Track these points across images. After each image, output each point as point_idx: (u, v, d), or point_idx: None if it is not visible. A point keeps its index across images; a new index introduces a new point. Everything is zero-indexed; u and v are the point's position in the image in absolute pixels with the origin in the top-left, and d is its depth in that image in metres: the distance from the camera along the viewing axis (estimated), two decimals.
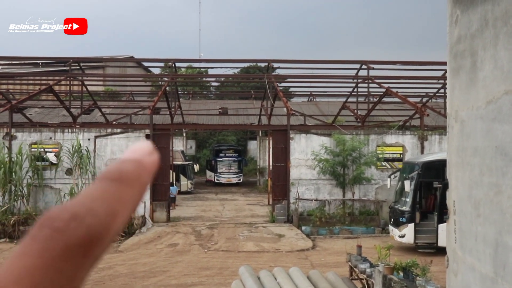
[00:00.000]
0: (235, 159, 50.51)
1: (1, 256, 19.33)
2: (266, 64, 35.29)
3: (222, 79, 50.10)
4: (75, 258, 0.49)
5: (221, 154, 50.46)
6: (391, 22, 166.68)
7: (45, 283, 0.47)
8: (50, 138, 26.04)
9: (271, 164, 29.22)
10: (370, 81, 31.62)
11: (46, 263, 0.47)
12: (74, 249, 0.49)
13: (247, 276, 11.41)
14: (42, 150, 25.65)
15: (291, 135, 26.54)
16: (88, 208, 0.50)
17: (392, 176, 22.94)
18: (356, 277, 12.29)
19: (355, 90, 32.73)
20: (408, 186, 19.73)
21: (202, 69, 59.92)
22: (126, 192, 0.54)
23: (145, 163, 0.57)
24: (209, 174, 51.38)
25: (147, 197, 25.79)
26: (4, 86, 39.93)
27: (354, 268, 12.27)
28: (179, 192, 37.72)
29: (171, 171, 29.67)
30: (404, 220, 19.84)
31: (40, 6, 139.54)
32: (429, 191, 20.56)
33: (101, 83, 48.15)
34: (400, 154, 26.64)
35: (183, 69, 59.92)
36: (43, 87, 31.12)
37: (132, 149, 0.59)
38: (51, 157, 25.90)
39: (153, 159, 0.58)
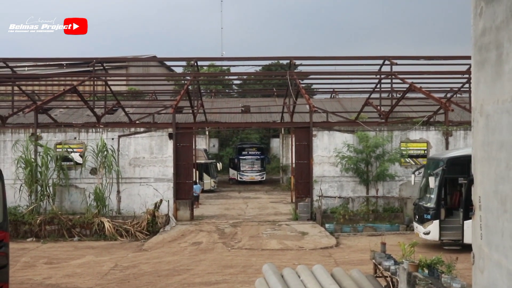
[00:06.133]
0: (258, 157, 50.60)
1: (28, 255, 19.58)
2: (288, 61, 35.27)
3: (244, 77, 50.07)
4: None
5: (244, 152, 50.60)
6: (412, 17, 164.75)
7: None
8: (75, 138, 26.34)
9: (294, 161, 29.14)
10: (393, 76, 31.35)
11: None
12: None
13: (271, 274, 11.40)
14: (67, 150, 25.95)
15: (314, 132, 26.44)
16: None
17: (416, 173, 22.73)
18: (380, 275, 12.18)
19: (378, 86, 32.46)
20: (432, 182, 19.51)
21: (224, 68, 60.09)
22: None
23: None
24: (232, 173, 51.54)
25: (170, 195, 25.93)
26: (29, 87, 40.50)
27: (378, 266, 12.16)
28: (203, 191, 37.87)
29: (194, 170, 29.77)
30: (429, 217, 19.62)
31: (40, 6, 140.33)
32: (454, 188, 20.30)
33: (124, 82, 48.55)
34: (425, 150, 26.37)
35: (205, 68, 60.14)
36: (67, 87, 31.46)
37: None
38: (76, 156, 26.20)
39: None
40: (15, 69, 37.03)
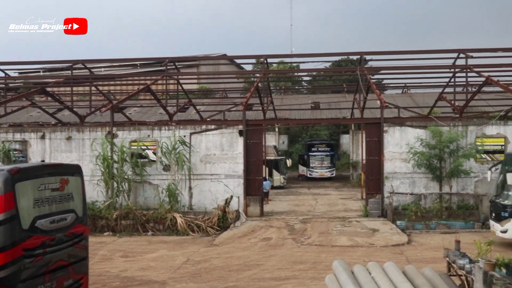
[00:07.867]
0: (328, 153, 50.33)
1: (105, 248, 20.35)
2: (358, 56, 34.77)
3: (314, 73, 49.85)
4: None
5: (313, 149, 50.46)
6: (488, 8, 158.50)
7: None
8: (148, 135, 27.11)
9: (364, 158, 28.79)
10: (468, 70, 30.34)
11: None
12: None
13: (341, 270, 11.33)
14: (142, 147, 26.73)
15: (385, 128, 26.02)
16: None
17: (493, 169, 21.91)
18: (454, 273, 11.84)
19: (452, 80, 31.52)
20: (511, 179, 18.79)
21: (293, 64, 60.07)
22: None
23: None
24: (302, 169, 51.50)
25: (240, 192, 26.22)
26: (106, 87, 41.99)
27: (452, 264, 11.81)
28: (272, 187, 38.07)
29: (264, 166, 29.94)
30: (506, 214, 18.89)
31: (42, 6, 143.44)
32: None
33: (195, 81, 49.47)
34: (502, 145, 25.42)
35: (274, 65, 60.36)
36: (141, 87, 32.37)
37: None
38: (150, 154, 26.97)
39: None
40: (92, 70, 38.49)
